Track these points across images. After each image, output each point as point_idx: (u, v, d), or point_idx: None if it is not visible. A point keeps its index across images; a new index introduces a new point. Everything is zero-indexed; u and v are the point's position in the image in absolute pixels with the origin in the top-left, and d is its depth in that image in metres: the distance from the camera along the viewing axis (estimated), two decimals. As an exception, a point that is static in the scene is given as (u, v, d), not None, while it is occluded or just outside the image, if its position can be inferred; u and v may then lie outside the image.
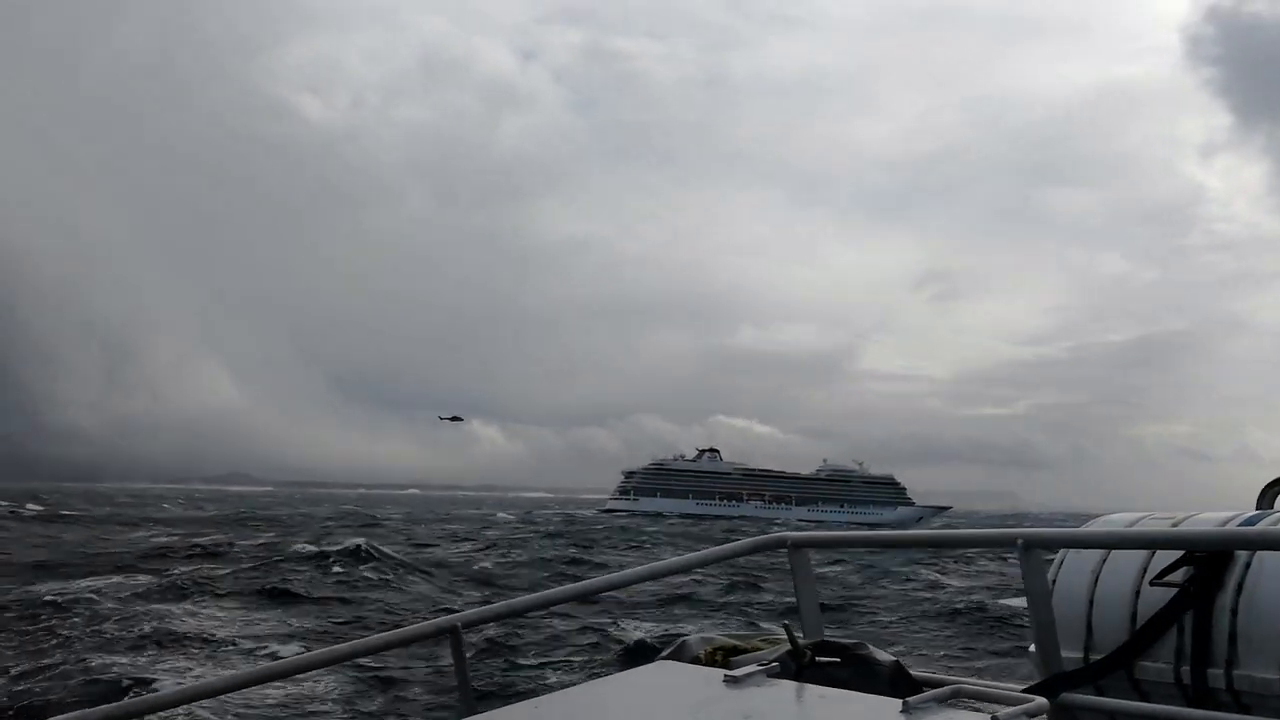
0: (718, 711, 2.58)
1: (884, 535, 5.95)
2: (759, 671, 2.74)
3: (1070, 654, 3.83)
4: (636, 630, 20.25)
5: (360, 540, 35.62)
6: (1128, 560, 3.89)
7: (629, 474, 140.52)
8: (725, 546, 4.42)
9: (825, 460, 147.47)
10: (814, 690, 2.69)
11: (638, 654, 16.95)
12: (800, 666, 3.13)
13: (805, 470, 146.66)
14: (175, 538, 44.43)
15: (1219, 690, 3.55)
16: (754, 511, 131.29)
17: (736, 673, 2.73)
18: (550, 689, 16.17)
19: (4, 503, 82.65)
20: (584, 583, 4.19)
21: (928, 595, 27.26)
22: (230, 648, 18.47)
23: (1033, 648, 3.83)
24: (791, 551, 4.17)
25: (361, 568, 30.28)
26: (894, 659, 3.28)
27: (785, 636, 3.40)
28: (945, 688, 2.57)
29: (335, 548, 33.88)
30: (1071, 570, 4.04)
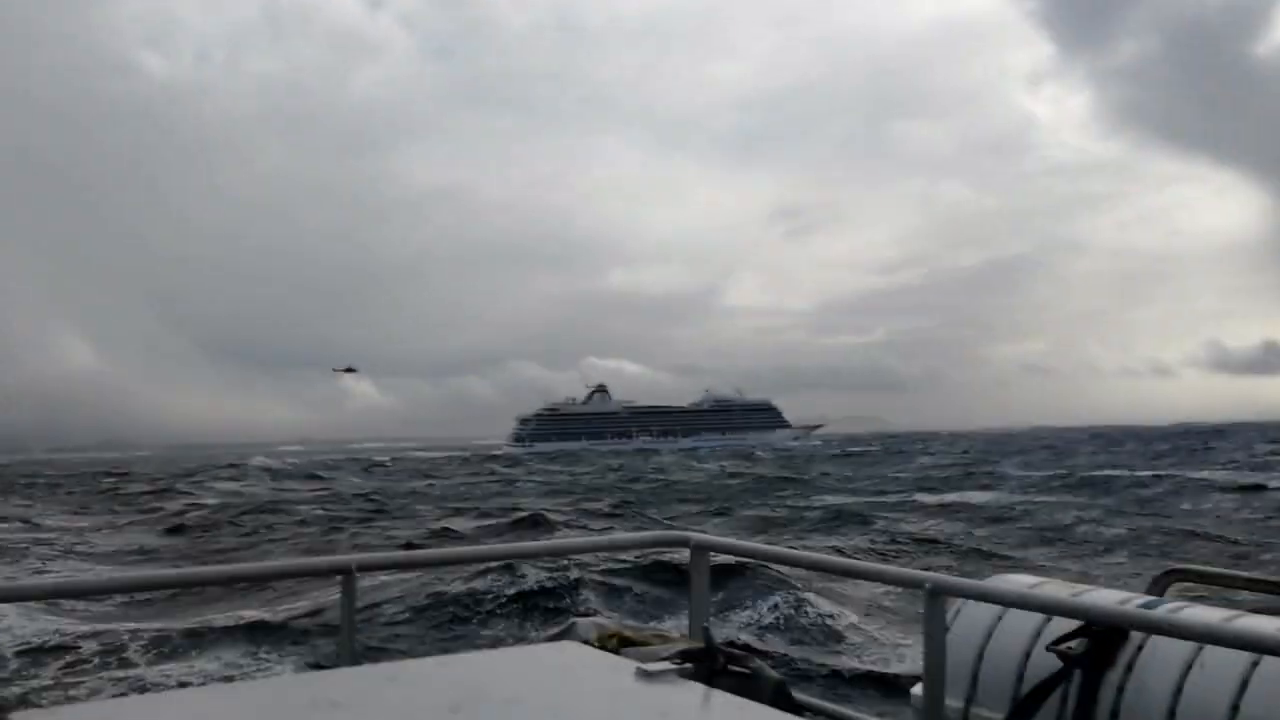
0: (632, 706, 2.39)
1: (794, 553, 5.59)
2: (672, 670, 2.60)
3: (953, 703, 3.85)
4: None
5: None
6: (1023, 621, 3.97)
7: (524, 420, 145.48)
8: (625, 536, 4.25)
9: (707, 390, 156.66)
10: (731, 700, 2.53)
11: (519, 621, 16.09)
12: (713, 672, 3.13)
13: (687, 402, 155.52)
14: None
15: None
16: (643, 445, 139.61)
17: (650, 668, 2.57)
18: (443, 647, 13.54)
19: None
20: (485, 547, 3.90)
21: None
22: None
23: (917, 689, 3.77)
24: (694, 551, 4.13)
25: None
26: (780, 678, 3.30)
27: (674, 635, 3.61)
28: None
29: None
30: (968, 621, 4.09)
